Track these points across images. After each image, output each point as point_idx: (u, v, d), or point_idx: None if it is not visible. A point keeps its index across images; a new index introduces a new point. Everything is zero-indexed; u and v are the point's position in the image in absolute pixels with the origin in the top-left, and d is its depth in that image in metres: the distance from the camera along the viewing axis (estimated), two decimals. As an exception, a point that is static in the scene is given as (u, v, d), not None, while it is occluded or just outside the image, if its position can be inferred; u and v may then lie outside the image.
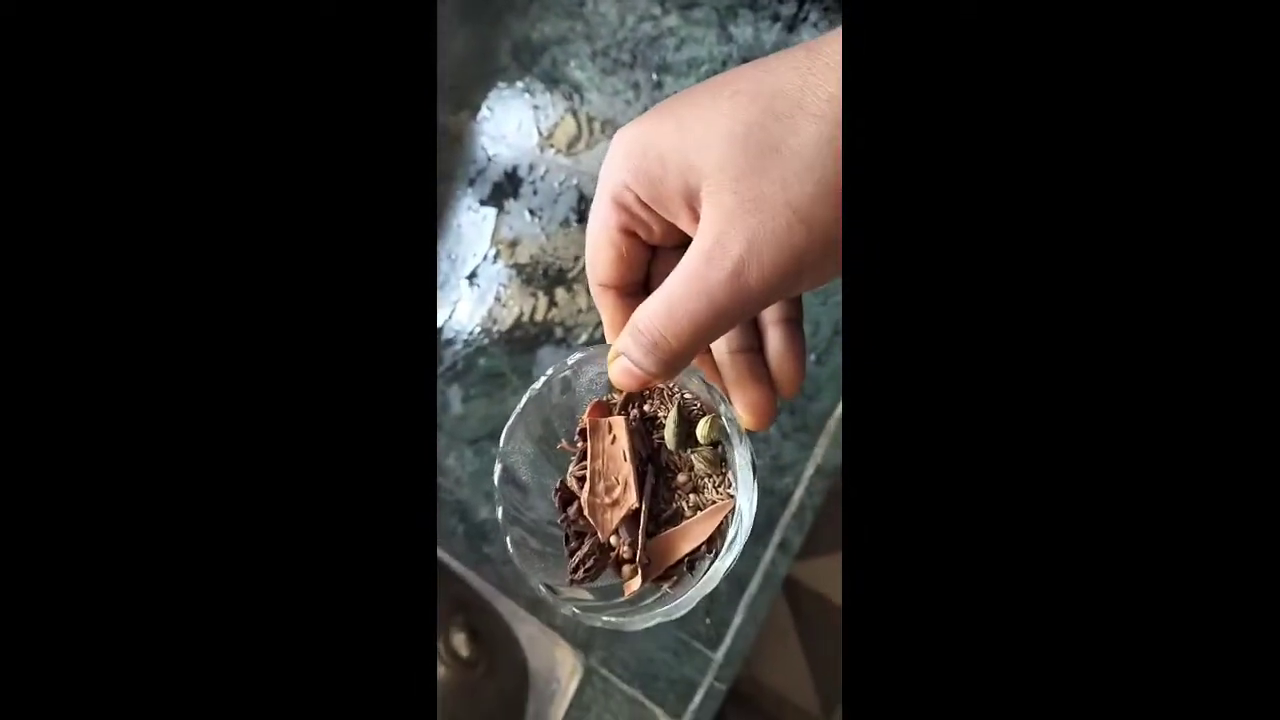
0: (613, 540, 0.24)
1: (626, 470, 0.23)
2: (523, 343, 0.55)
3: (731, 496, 0.23)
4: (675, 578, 0.24)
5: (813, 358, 0.46)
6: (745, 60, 0.46)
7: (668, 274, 0.21)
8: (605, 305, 0.22)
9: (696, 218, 0.19)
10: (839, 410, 0.46)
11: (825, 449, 0.46)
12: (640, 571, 0.23)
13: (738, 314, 0.19)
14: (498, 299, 0.56)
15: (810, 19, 0.43)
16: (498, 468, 0.24)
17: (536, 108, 0.54)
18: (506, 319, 0.56)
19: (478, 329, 0.57)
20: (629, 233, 0.21)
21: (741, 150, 0.18)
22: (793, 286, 0.19)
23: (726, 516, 0.23)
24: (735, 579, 0.49)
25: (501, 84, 0.55)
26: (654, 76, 0.49)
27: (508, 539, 0.23)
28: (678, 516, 0.24)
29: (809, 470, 0.47)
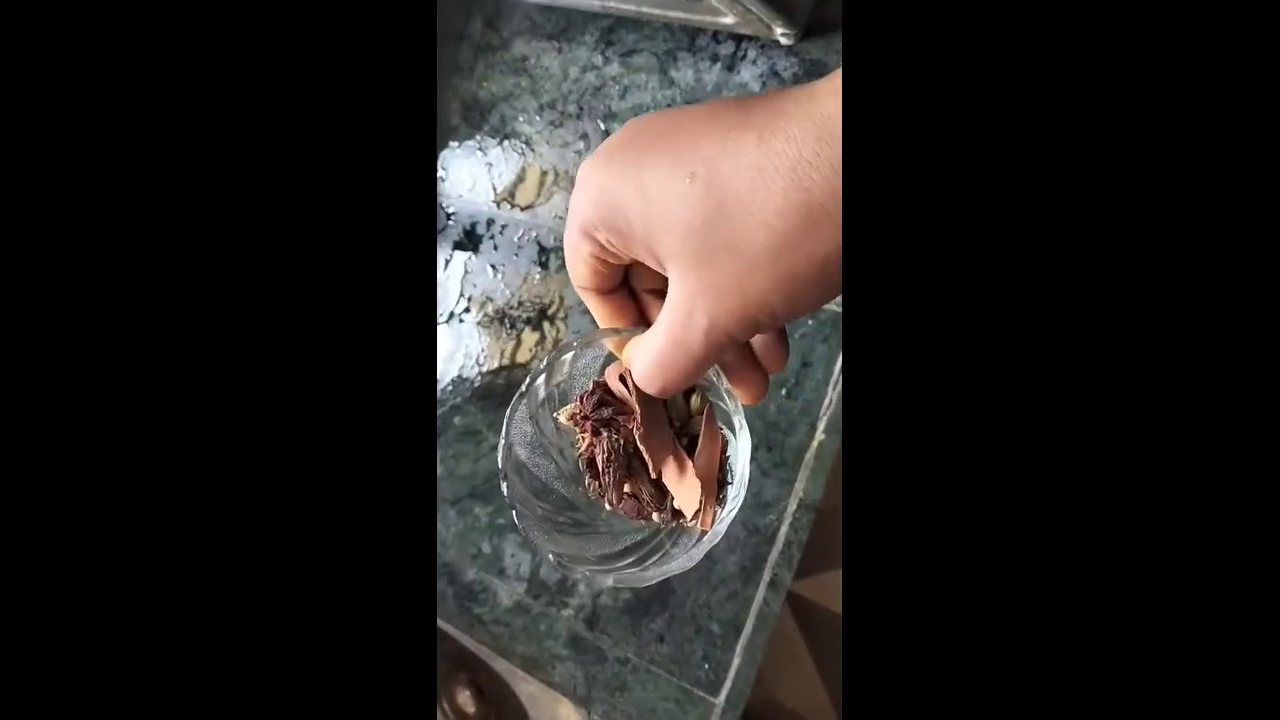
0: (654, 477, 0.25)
1: (663, 418, 0.25)
2: (497, 398, 0.55)
3: (720, 431, 0.26)
4: (717, 501, 0.26)
5: (783, 392, 0.46)
6: (689, 103, 0.46)
7: (642, 278, 0.25)
8: (590, 302, 0.25)
9: (663, 266, 0.21)
10: (816, 443, 0.46)
11: (805, 482, 0.46)
12: (701, 492, 0.25)
13: (717, 357, 0.22)
14: (468, 356, 0.56)
15: (749, 57, 0.43)
16: (502, 446, 0.25)
17: (490, 165, 0.54)
18: (478, 377, 0.55)
19: (450, 388, 0.56)
20: (601, 258, 0.23)
21: (699, 242, 0.19)
22: (759, 333, 0.21)
23: (727, 464, 0.26)
24: (730, 622, 0.49)
25: (453, 143, 0.55)
26: (601, 125, 0.49)
27: (514, 514, 0.25)
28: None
29: (792, 505, 0.46)
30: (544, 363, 0.25)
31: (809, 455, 0.46)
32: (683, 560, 0.24)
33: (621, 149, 0.21)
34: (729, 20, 0.38)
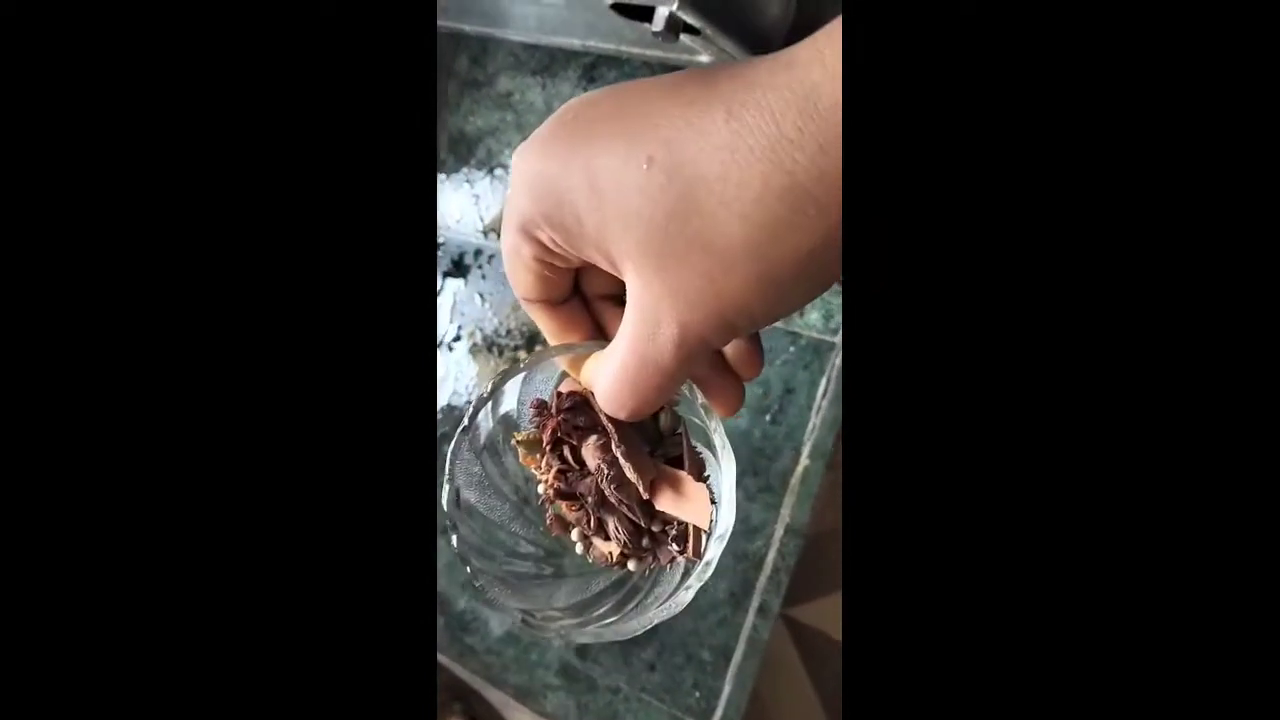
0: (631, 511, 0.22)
1: (640, 442, 0.22)
2: (486, 426, 0.55)
3: (698, 452, 0.23)
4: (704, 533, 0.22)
5: (767, 418, 0.46)
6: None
7: (595, 282, 0.21)
8: (537, 315, 0.22)
9: (619, 269, 0.18)
10: (801, 468, 0.46)
11: (792, 507, 0.46)
12: (697, 526, 0.22)
13: (691, 370, 0.19)
14: (458, 382, 0.56)
15: (726, 93, 0.44)
16: (446, 491, 0.22)
17: (477, 197, 0.55)
18: (467, 405, 0.56)
19: (440, 416, 0.57)
20: (546, 261, 0.20)
21: (663, 239, 0.17)
22: (736, 337, 0.19)
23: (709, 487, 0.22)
24: (720, 649, 0.49)
25: (441, 176, 0.56)
26: (585, 158, 0.50)
27: (469, 571, 0.22)
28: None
29: (779, 531, 0.47)
30: (488, 390, 0.22)
31: (794, 480, 0.46)
32: (670, 605, 0.22)
33: (562, 132, 0.18)
34: (705, 58, 0.39)
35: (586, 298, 0.22)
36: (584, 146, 0.17)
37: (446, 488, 0.22)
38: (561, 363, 0.22)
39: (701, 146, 0.16)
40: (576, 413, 0.22)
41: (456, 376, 0.56)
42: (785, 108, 0.15)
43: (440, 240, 0.57)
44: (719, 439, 0.22)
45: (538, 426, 0.22)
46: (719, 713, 0.49)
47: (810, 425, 0.46)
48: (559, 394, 0.22)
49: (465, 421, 0.22)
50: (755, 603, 0.47)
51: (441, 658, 0.57)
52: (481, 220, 0.55)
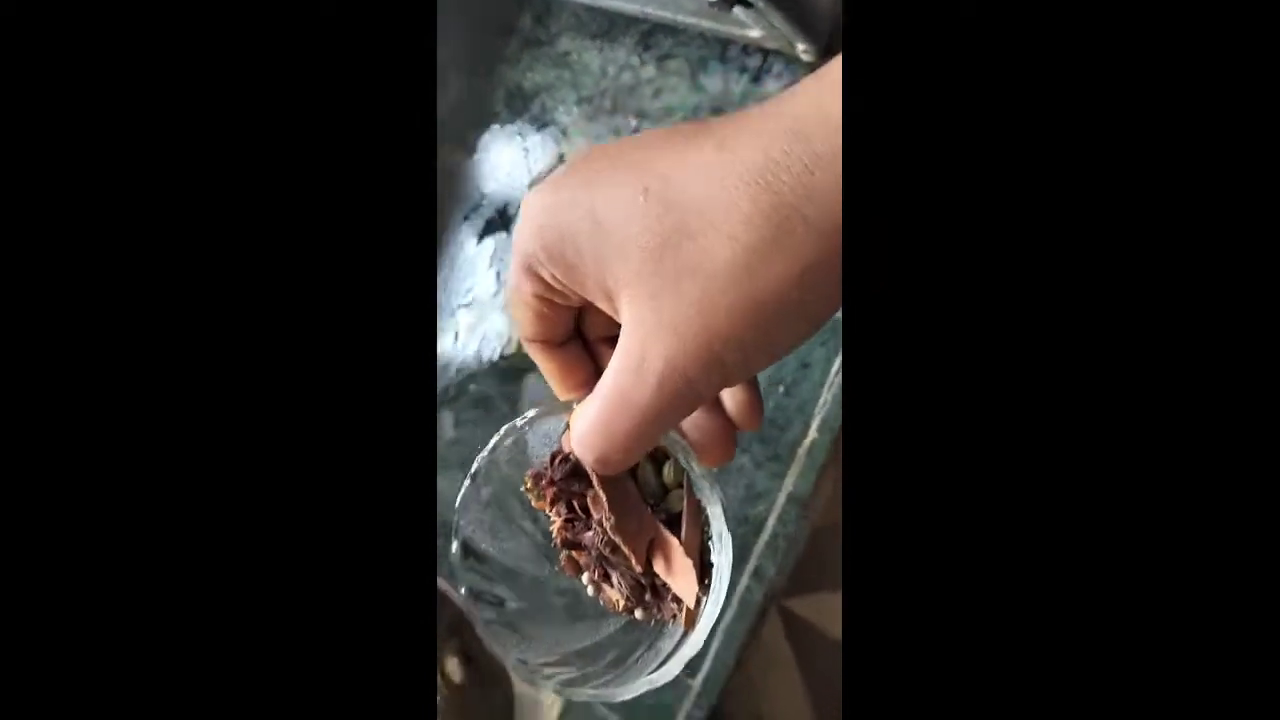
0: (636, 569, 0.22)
1: (633, 494, 0.22)
2: (511, 372, 0.58)
3: (699, 502, 0.23)
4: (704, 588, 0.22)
5: (781, 390, 0.48)
6: (715, 111, 0.48)
7: (595, 324, 0.22)
8: (538, 358, 0.22)
9: (617, 307, 0.18)
10: (809, 439, 0.48)
11: (796, 477, 0.48)
12: (692, 585, 0.22)
13: (672, 417, 0.19)
14: (489, 330, 0.59)
15: (774, 70, 0.46)
16: (455, 545, 0.22)
17: (526, 150, 0.57)
18: (498, 347, 0.58)
19: (470, 357, 0.59)
20: (546, 299, 0.20)
21: (656, 267, 0.17)
22: (726, 384, 0.19)
23: (707, 542, 0.22)
24: (711, 604, 0.51)
25: (495, 126, 0.58)
26: (632, 122, 0.52)
27: (475, 619, 0.22)
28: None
29: (781, 498, 0.48)
30: (492, 443, 0.22)
31: (801, 451, 0.48)
32: (661, 672, 0.21)
33: (572, 173, 0.19)
34: (755, 33, 0.40)
35: (588, 341, 0.22)
36: (588, 185, 0.18)
37: (455, 544, 0.22)
38: (567, 417, 0.22)
39: (694, 177, 0.17)
40: (572, 479, 0.22)
41: (489, 326, 0.59)
42: (773, 136, 0.16)
43: (484, 193, 0.60)
44: (708, 483, 0.21)
45: (536, 497, 0.23)
46: (705, 669, 0.51)
47: (822, 400, 0.47)
48: (553, 457, 0.22)
49: (474, 467, 0.22)
50: (751, 565, 0.49)
51: (447, 586, 0.60)
52: (530, 173, 0.57)
